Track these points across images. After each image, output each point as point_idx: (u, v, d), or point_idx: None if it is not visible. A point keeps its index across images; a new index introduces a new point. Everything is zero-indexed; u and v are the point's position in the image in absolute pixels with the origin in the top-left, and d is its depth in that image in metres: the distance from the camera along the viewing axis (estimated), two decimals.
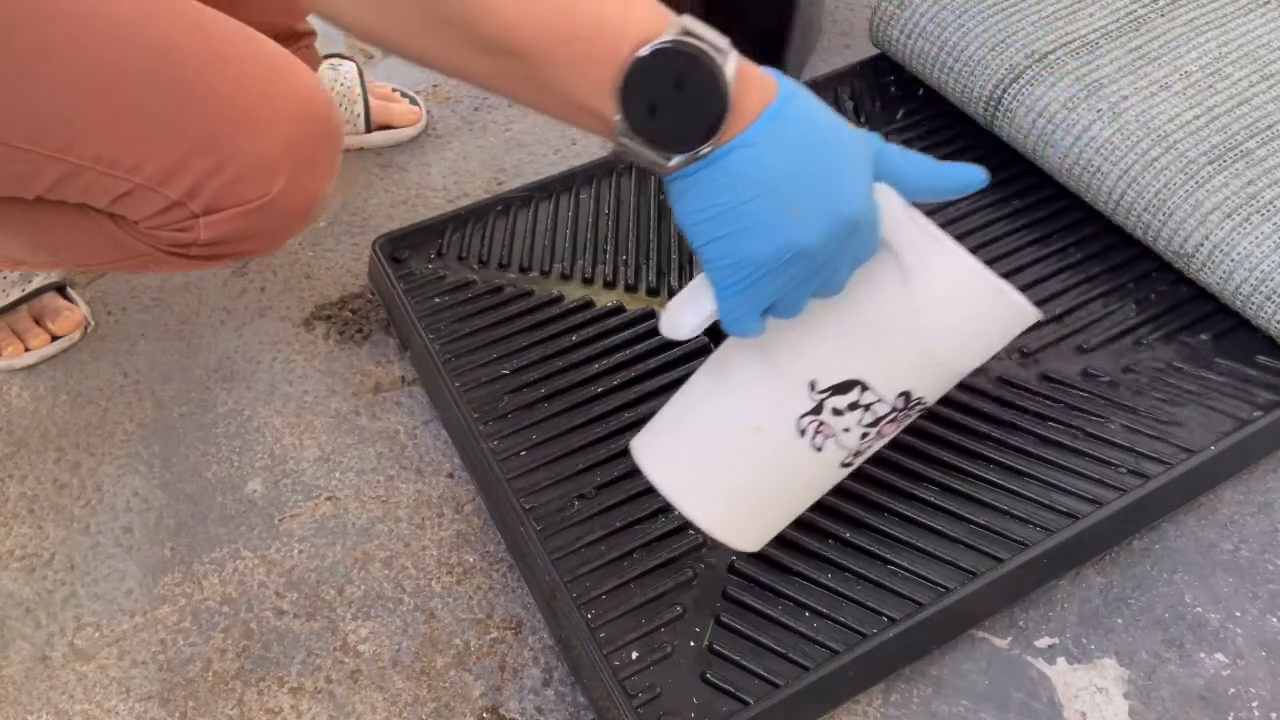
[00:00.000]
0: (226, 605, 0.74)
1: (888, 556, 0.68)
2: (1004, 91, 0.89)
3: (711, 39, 0.46)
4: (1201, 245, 0.78)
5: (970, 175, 0.53)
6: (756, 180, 0.46)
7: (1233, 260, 0.77)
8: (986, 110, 0.91)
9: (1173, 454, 0.72)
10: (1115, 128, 0.83)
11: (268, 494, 0.80)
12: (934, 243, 0.52)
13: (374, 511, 0.78)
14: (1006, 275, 0.82)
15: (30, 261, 0.81)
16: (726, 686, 0.63)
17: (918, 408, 0.56)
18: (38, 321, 0.89)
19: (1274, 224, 0.77)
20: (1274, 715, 0.66)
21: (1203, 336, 0.79)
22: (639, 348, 0.80)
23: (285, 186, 0.65)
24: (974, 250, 0.90)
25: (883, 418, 0.55)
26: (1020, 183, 0.90)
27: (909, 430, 0.74)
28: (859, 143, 0.49)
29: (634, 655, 0.64)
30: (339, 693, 0.70)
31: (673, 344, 0.79)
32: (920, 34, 0.95)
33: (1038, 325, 0.79)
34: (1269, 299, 0.75)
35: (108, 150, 0.62)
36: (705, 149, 0.46)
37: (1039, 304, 0.80)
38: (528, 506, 0.71)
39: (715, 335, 0.61)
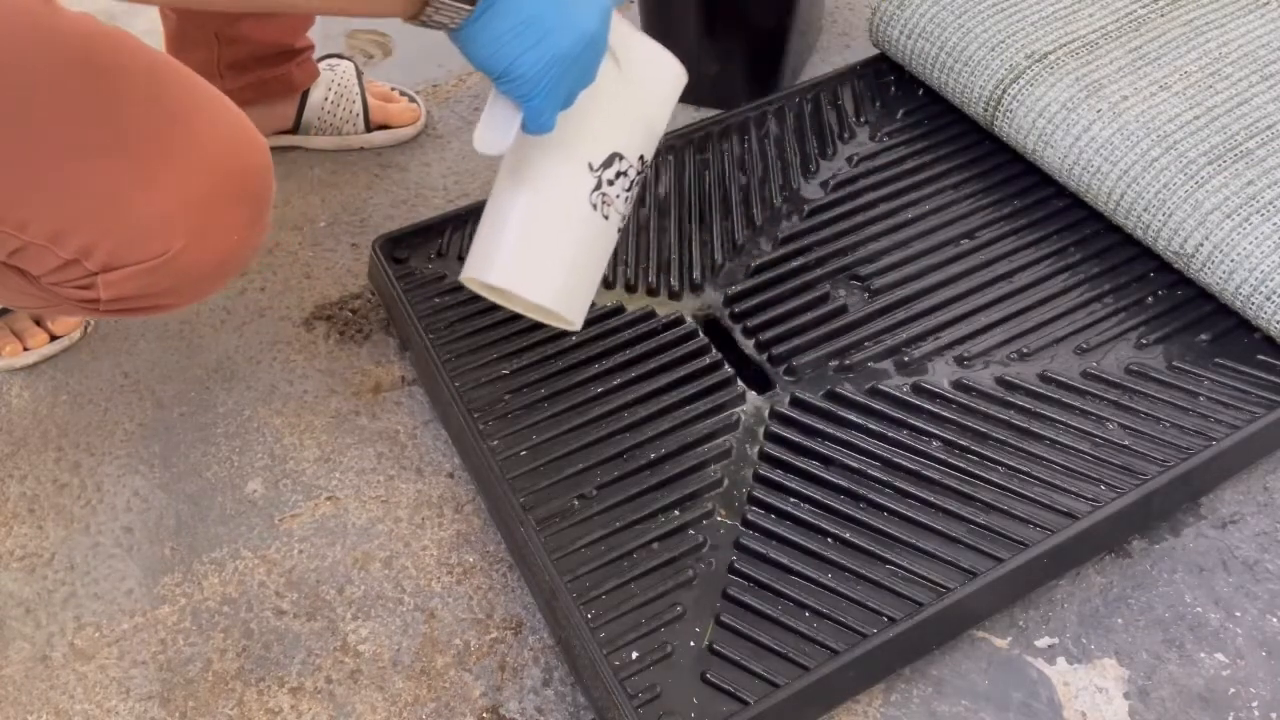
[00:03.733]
0: (226, 605, 0.74)
1: (888, 556, 0.68)
2: (1004, 91, 0.89)
3: None
4: (1201, 245, 0.78)
5: None
6: None
7: (1233, 260, 0.77)
8: (986, 110, 0.91)
9: (1172, 454, 0.72)
10: (1115, 128, 0.83)
11: (268, 494, 0.80)
12: (631, 31, 0.68)
13: (374, 511, 0.78)
14: (1006, 275, 0.83)
15: None
16: (726, 686, 0.63)
17: (646, 169, 0.72)
18: (37, 322, 0.89)
19: (1274, 224, 0.77)
20: (1274, 715, 0.66)
21: (1203, 336, 0.79)
22: (639, 348, 0.80)
23: (188, 244, 0.61)
24: (974, 250, 0.90)
25: (633, 181, 0.70)
26: (1020, 183, 0.90)
27: (909, 431, 0.74)
28: None
29: (634, 655, 0.64)
30: (339, 693, 0.70)
31: (672, 345, 0.79)
32: (920, 34, 0.95)
33: (1038, 325, 0.80)
34: (1269, 299, 0.75)
35: None
36: None
37: (1039, 304, 0.81)
38: (528, 506, 0.71)
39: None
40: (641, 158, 0.70)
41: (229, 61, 0.95)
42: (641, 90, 0.69)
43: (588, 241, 0.69)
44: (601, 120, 0.67)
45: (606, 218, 0.69)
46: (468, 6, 0.55)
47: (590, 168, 0.67)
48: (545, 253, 0.68)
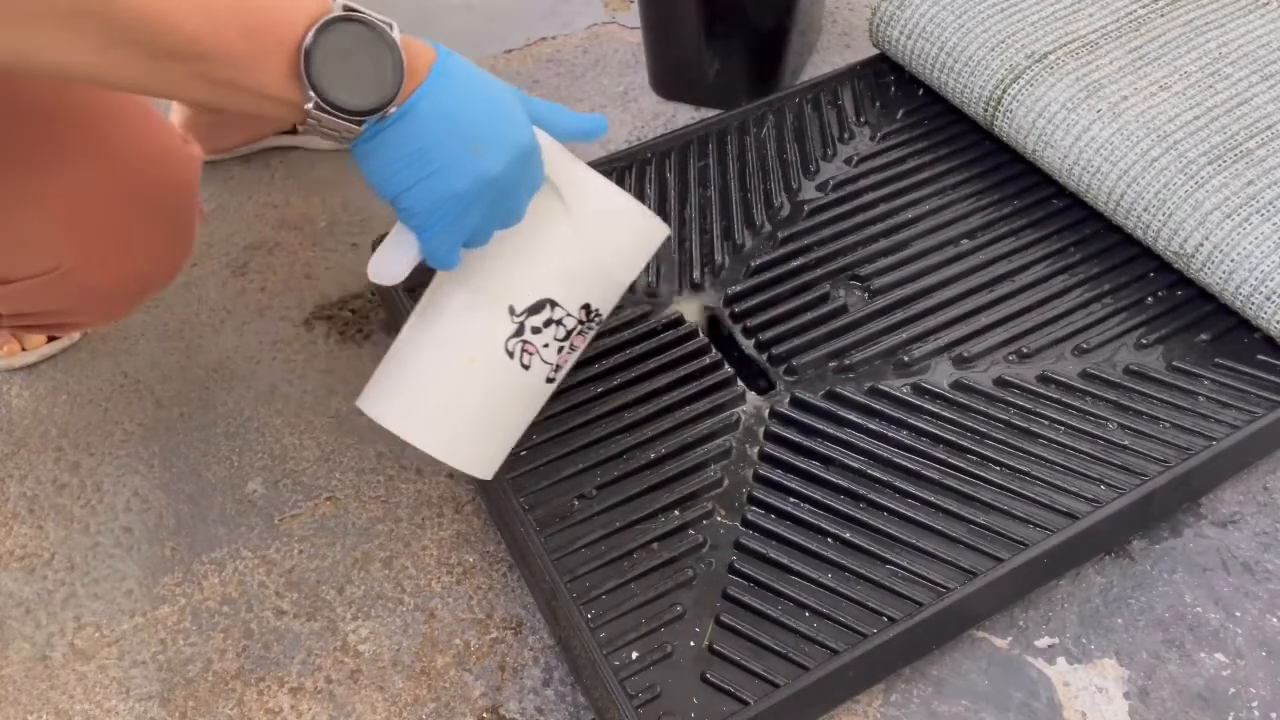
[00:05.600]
0: (226, 605, 0.74)
1: (888, 556, 0.68)
2: (1004, 91, 0.89)
3: (371, 13, 0.51)
4: (1201, 245, 0.78)
5: (597, 121, 0.62)
6: (440, 126, 0.53)
7: (1233, 260, 0.77)
8: (986, 110, 0.91)
9: (1172, 454, 0.72)
10: (1115, 128, 0.83)
11: (268, 494, 0.80)
12: (587, 174, 0.63)
13: (374, 511, 0.79)
14: (1006, 275, 0.83)
15: None
16: (726, 686, 0.63)
17: (596, 319, 0.67)
18: None
19: (1274, 224, 0.77)
20: (1274, 715, 0.66)
21: (1203, 336, 0.79)
22: (639, 348, 0.80)
23: (82, 261, 0.60)
24: (974, 250, 0.90)
25: (571, 331, 0.65)
26: (1020, 183, 0.90)
27: (909, 431, 0.74)
28: (508, 89, 0.57)
29: (634, 655, 0.64)
30: (339, 693, 0.70)
31: (672, 345, 0.79)
32: (920, 34, 0.95)
33: (1038, 325, 0.80)
34: (1269, 299, 0.75)
35: None
36: (392, 108, 0.52)
37: (1039, 304, 0.81)
38: (528, 506, 0.71)
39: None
40: (587, 307, 0.65)
41: None
42: (594, 238, 0.64)
43: (499, 391, 0.65)
44: (531, 264, 0.63)
45: (527, 367, 0.64)
46: (355, 126, 0.52)
47: (511, 312, 0.63)
48: (443, 400, 0.64)
